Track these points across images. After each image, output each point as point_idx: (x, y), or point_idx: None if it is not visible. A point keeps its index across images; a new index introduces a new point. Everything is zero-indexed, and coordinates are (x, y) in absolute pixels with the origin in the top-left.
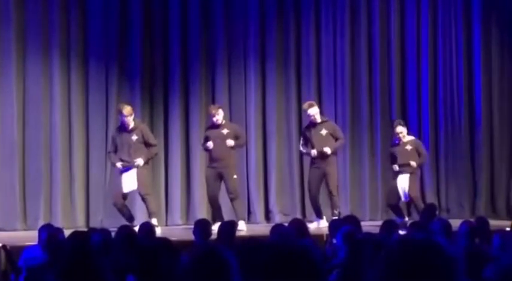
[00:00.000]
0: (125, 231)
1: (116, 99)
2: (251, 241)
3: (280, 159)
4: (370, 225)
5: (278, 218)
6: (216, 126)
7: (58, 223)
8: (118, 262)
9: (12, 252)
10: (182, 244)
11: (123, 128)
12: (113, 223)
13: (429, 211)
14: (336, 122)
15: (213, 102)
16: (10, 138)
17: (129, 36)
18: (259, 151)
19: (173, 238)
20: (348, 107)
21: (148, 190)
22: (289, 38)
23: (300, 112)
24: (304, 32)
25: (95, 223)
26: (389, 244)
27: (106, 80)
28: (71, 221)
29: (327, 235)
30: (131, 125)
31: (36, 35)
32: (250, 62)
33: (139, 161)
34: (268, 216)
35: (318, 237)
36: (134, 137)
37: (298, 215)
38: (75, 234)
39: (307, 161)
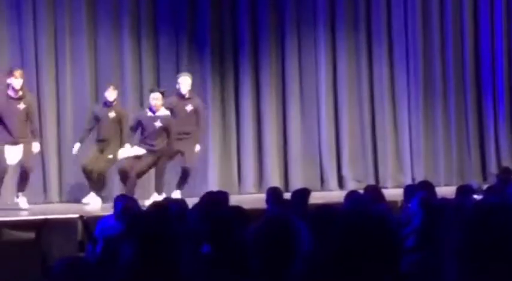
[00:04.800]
0: (202, 200)
1: (186, 69)
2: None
3: (352, 126)
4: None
5: (351, 185)
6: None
7: None
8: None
9: (89, 222)
10: (255, 212)
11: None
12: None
13: (504, 175)
14: (407, 88)
15: (283, 71)
16: (83, 111)
17: (198, 6)
18: (330, 118)
19: (246, 207)
20: (420, 75)
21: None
22: (359, 4)
23: (372, 79)
24: None
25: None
26: (465, 209)
27: (176, 51)
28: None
29: (401, 200)
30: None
31: (106, 7)
32: (320, 29)
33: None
34: (341, 183)
35: (393, 203)
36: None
37: (372, 182)
38: (154, 204)
39: (380, 126)
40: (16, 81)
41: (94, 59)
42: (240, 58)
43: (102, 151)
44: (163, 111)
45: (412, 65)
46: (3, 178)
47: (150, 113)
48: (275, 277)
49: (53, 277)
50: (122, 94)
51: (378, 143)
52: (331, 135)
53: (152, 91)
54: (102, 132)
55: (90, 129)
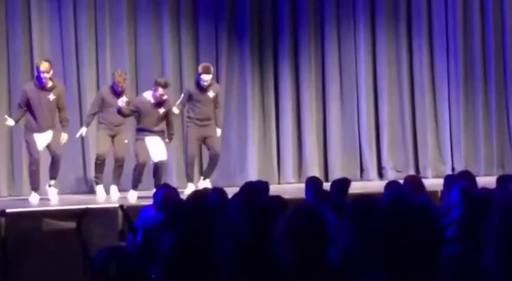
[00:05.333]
0: (242, 190)
1: (226, 59)
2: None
3: (391, 115)
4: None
5: (391, 174)
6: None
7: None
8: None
9: (129, 212)
10: (294, 202)
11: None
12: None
13: None
14: (448, 77)
15: (323, 60)
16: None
17: None
18: (370, 108)
19: (286, 196)
20: (460, 65)
21: None
22: None
23: (411, 68)
24: None
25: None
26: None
27: (215, 40)
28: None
29: (441, 190)
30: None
31: None
32: (360, 18)
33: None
34: (381, 173)
35: (433, 193)
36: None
37: (412, 172)
38: (194, 193)
39: (420, 115)
40: (43, 75)
41: (134, 49)
42: (280, 47)
43: (113, 136)
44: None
45: (452, 54)
46: (38, 168)
47: (152, 101)
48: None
49: (93, 266)
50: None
51: (418, 132)
52: (371, 125)
53: (166, 86)
54: (114, 118)
55: (95, 114)
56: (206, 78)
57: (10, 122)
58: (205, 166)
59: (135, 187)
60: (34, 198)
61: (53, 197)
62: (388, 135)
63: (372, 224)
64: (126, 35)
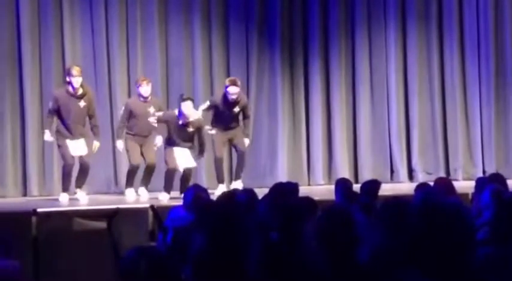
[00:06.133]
0: (272, 191)
1: (256, 60)
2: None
3: (422, 117)
4: None
5: (421, 176)
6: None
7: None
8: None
9: (159, 212)
10: (324, 204)
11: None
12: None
13: None
14: (479, 78)
15: (353, 61)
16: None
17: None
18: (400, 110)
19: (315, 198)
20: (492, 67)
21: None
22: None
23: (442, 68)
24: None
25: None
26: None
27: (246, 42)
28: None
29: (472, 193)
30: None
31: None
32: (391, 20)
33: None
34: (411, 175)
35: (464, 196)
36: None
37: (442, 174)
38: (223, 194)
39: (450, 117)
40: (75, 79)
41: (165, 52)
42: (310, 48)
43: (141, 145)
44: (195, 116)
45: (483, 56)
46: (71, 172)
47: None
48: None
49: (123, 266)
50: (192, 85)
51: (449, 134)
52: (401, 127)
53: (186, 99)
54: (142, 126)
55: (124, 126)
56: (233, 91)
57: (48, 137)
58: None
59: (167, 190)
60: (64, 198)
61: (82, 198)
62: (418, 137)
63: (403, 226)
64: (157, 37)
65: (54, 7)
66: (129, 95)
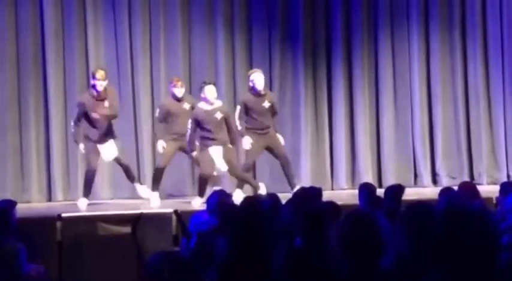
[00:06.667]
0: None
1: (279, 66)
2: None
3: (446, 121)
4: None
5: (445, 181)
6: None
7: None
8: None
9: (183, 217)
10: (348, 208)
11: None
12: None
13: None
14: (502, 82)
15: (376, 66)
16: None
17: (291, 2)
18: (424, 114)
19: (339, 202)
20: None
21: None
22: (453, 1)
23: (466, 73)
24: None
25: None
26: None
27: (269, 47)
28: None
29: (496, 197)
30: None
31: (200, 4)
32: (413, 25)
33: None
34: (435, 179)
35: (488, 200)
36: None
37: (466, 178)
38: (247, 199)
39: (474, 121)
40: (98, 83)
41: (188, 56)
42: (333, 54)
43: (180, 148)
44: (218, 103)
45: (507, 60)
46: (93, 178)
47: (207, 107)
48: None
49: (148, 271)
50: (216, 90)
51: (472, 138)
52: (424, 131)
53: (208, 83)
54: (181, 125)
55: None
56: (258, 76)
57: (83, 149)
58: (264, 174)
59: (201, 195)
60: (82, 203)
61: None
62: (442, 141)
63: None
64: (180, 42)
65: (78, 12)
66: (153, 99)
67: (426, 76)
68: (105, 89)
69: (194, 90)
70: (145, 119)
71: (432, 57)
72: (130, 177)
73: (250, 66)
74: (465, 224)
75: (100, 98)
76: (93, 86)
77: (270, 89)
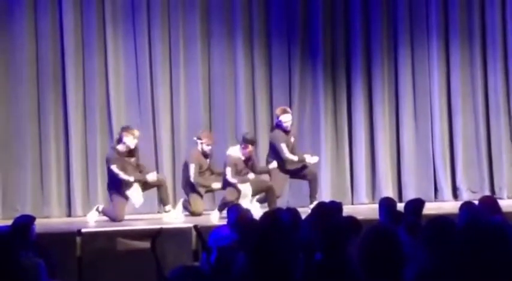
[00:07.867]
0: (315, 211)
1: (299, 79)
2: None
3: (466, 135)
4: None
5: (466, 195)
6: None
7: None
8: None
9: (202, 232)
10: (368, 223)
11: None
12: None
13: None
14: None
15: (396, 80)
16: (197, 121)
17: (311, 16)
18: (444, 128)
19: (359, 217)
20: None
21: None
22: (473, 14)
23: (486, 86)
24: (488, 7)
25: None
26: None
27: (288, 61)
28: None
29: None
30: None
31: (219, 18)
32: (433, 39)
33: None
34: (455, 193)
35: (509, 214)
36: None
37: (487, 192)
38: (266, 213)
39: (495, 135)
40: (133, 141)
41: (207, 69)
42: (353, 67)
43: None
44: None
45: None
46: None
47: (243, 158)
48: None
49: None
50: (234, 104)
51: (493, 152)
52: (445, 145)
53: (254, 143)
54: (208, 181)
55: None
56: (287, 118)
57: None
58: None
59: (220, 210)
60: (91, 217)
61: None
62: (462, 155)
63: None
64: (199, 56)
65: (97, 26)
66: (172, 112)
67: (446, 89)
68: (136, 148)
69: (213, 103)
70: (165, 132)
71: (452, 70)
72: (166, 199)
73: (270, 80)
74: (486, 238)
75: (128, 153)
76: (123, 142)
77: (290, 104)
